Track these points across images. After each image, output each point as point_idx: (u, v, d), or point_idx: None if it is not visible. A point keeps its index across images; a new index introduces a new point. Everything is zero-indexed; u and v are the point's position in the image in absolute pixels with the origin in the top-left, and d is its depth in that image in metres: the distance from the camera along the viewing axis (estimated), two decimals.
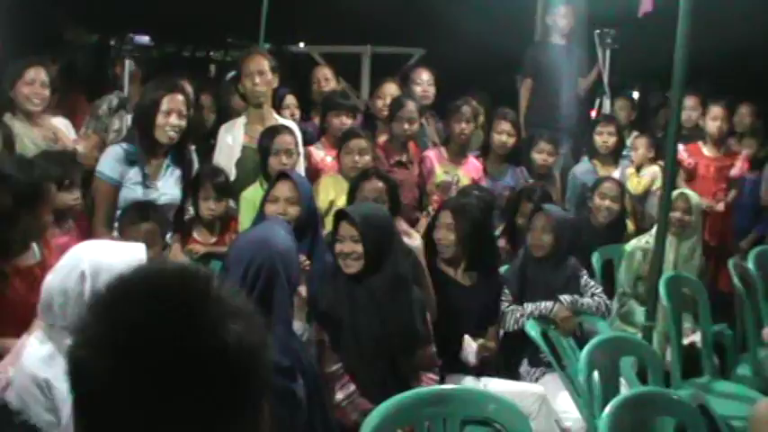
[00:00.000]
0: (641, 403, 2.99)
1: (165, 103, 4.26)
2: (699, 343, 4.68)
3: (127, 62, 5.56)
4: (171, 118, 4.26)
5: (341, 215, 3.56)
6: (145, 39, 5.69)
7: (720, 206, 6.08)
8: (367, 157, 4.78)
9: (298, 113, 5.82)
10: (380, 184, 4.30)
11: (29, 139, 4.52)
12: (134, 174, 4.23)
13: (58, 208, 3.75)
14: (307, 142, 5.23)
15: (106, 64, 6.15)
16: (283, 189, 3.86)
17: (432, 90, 6.08)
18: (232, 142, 4.90)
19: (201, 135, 5.16)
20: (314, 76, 6.27)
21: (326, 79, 6.21)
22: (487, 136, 5.79)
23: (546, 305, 4.18)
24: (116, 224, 4.13)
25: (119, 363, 1.06)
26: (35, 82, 4.58)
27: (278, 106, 5.40)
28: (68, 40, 8.83)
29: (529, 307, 4.20)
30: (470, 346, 3.94)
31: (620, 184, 5.47)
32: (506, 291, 4.29)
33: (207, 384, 1.07)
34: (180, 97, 4.33)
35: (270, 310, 2.85)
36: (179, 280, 1.13)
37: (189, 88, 4.82)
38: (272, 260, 2.87)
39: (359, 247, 3.45)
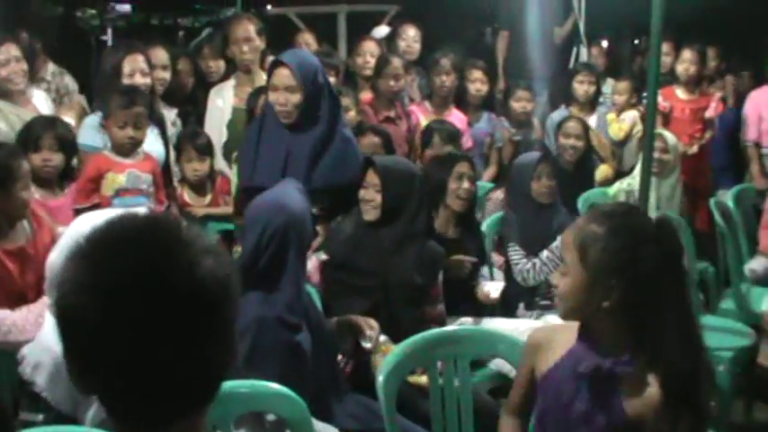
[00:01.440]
0: None
1: (127, 65, 4.37)
2: None
3: (109, 30, 5.56)
4: (135, 78, 4.36)
5: (369, 162, 3.66)
6: (126, 7, 5.70)
7: (694, 149, 6.20)
8: (352, 113, 4.85)
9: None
10: (377, 139, 4.42)
11: (17, 118, 4.48)
12: None
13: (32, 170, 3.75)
14: None
15: (79, 36, 6.14)
16: (281, 77, 3.79)
17: (416, 46, 6.15)
18: (222, 105, 4.97)
19: (181, 99, 5.19)
20: (296, 42, 6.31)
21: (308, 44, 6.25)
22: (461, 86, 5.86)
23: (556, 245, 4.25)
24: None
25: (105, 304, 1.15)
26: (9, 61, 4.51)
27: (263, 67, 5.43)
28: (33, 12, 8.73)
29: (544, 253, 4.30)
30: (494, 283, 4.04)
31: (584, 123, 5.55)
32: (512, 247, 4.38)
33: (186, 315, 1.18)
34: (140, 56, 4.44)
35: (282, 271, 2.92)
36: (152, 226, 1.23)
37: (163, 53, 4.84)
38: (286, 224, 2.90)
39: (379, 197, 3.58)
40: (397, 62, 5.46)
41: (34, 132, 3.94)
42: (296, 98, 3.75)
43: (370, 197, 3.61)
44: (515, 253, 4.38)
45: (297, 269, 2.96)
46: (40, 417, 2.43)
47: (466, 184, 4.12)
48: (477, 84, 5.85)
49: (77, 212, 3.71)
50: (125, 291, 1.16)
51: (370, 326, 3.28)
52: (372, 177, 3.62)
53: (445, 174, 4.11)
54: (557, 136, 5.50)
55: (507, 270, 4.44)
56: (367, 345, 3.24)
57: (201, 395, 1.26)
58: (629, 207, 2.25)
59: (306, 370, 2.94)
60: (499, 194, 5.07)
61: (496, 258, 4.62)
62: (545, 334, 2.33)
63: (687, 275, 2.08)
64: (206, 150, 4.59)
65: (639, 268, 1.99)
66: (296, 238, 2.92)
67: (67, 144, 4.05)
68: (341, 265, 3.59)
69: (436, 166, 4.26)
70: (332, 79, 5.27)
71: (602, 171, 5.87)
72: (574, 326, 2.19)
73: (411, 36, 6.17)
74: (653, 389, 2.08)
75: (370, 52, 5.76)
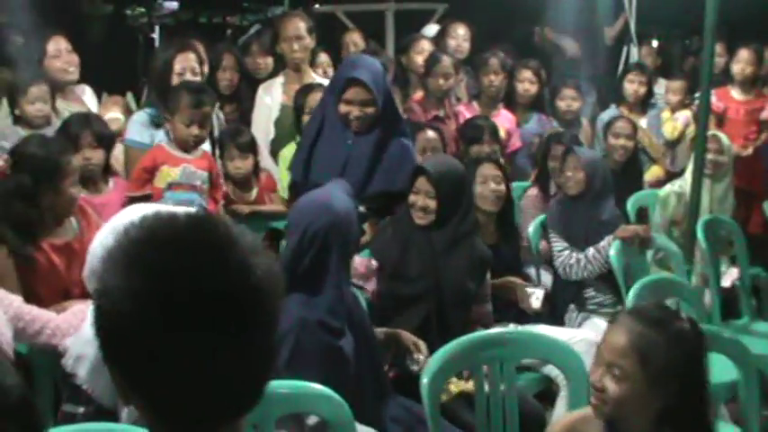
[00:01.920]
0: None
1: (178, 63, 4.37)
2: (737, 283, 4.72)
3: (157, 28, 5.60)
4: (185, 76, 4.36)
5: (419, 170, 3.62)
6: (174, 4, 5.73)
7: (749, 150, 6.08)
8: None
9: (330, 72, 5.85)
10: (432, 134, 4.48)
11: (70, 113, 4.53)
12: (162, 135, 4.27)
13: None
14: None
15: (129, 33, 6.19)
16: (357, 93, 3.81)
17: (466, 45, 6.12)
18: (270, 102, 4.98)
19: (227, 96, 5.19)
20: (344, 42, 6.31)
21: (355, 44, 6.26)
22: (510, 86, 5.80)
23: (603, 245, 4.21)
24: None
25: (150, 308, 1.12)
26: (61, 52, 4.61)
27: (311, 64, 5.44)
28: (83, 11, 8.84)
29: (590, 251, 4.23)
30: (536, 292, 3.95)
31: (633, 123, 5.45)
32: (555, 237, 4.33)
33: (236, 318, 1.14)
34: (192, 55, 4.44)
35: (324, 273, 2.87)
36: (197, 225, 1.19)
37: (201, 49, 4.86)
38: (329, 225, 2.86)
39: (432, 203, 3.54)
40: (447, 61, 5.42)
41: (73, 131, 3.93)
42: (371, 110, 3.81)
43: (423, 203, 3.56)
44: (557, 243, 4.32)
45: (340, 272, 2.91)
46: (81, 409, 2.43)
47: (492, 185, 4.08)
48: (527, 84, 5.78)
49: (130, 200, 3.76)
50: (167, 296, 1.12)
51: (419, 349, 3.21)
52: (424, 184, 3.57)
53: (471, 177, 4.05)
54: (606, 136, 5.41)
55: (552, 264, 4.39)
56: (414, 368, 3.15)
57: (248, 399, 1.23)
58: (673, 310, 2.28)
59: (347, 374, 2.90)
60: (533, 191, 4.99)
61: (543, 246, 4.54)
62: (573, 425, 2.27)
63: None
64: (248, 148, 4.57)
65: (698, 372, 2.10)
66: (339, 241, 2.87)
67: (106, 139, 4.04)
68: (394, 275, 3.54)
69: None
70: None
71: (653, 172, 5.79)
72: (591, 417, 2.17)
73: (461, 35, 6.13)
74: None
75: (426, 51, 5.73)
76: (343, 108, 3.80)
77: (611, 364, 2.08)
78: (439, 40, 6.14)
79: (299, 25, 5.02)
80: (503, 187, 4.13)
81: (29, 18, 5.01)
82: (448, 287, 3.50)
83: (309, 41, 5.07)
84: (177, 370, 1.14)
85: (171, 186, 4.00)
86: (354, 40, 6.39)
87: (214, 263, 1.15)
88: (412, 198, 3.60)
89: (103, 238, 2.44)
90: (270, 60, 5.59)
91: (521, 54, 6.58)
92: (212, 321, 1.13)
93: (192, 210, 1.33)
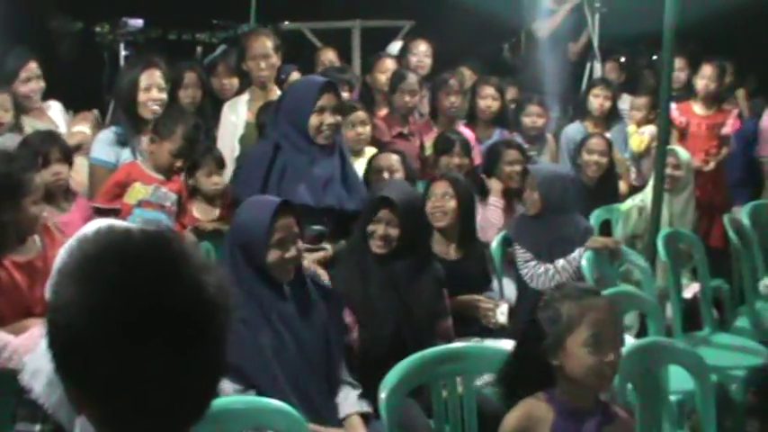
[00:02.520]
0: (648, 352, 3.08)
1: (144, 80, 4.36)
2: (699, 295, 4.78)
3: (121, 46, 5.60)
4: (151, 93, 4.36)
5: (383, 199, 3.54)
6: (138, 22, 5.73)
7: (710, 165, 6.16)
8: (368, 128, 4.87)
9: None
10: (395, 157, 4.46)
11: (33, 129, 4.48)
12: (128, 154, 4.29)
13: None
14: None
15: (96, 51, 6.17)
16: (332, 99, 3.90)
17: (427, 61, 6.16)
18: (236, 119, 4.99)
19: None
20: (318, 59, 6.34)
21: (330, 61, 6.29)
22: (472, 102, 5.85)
23: (574, 257, 4.26)
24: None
25: (104, 322, 1.13)
26: (31, 79, 4.61)
27: (282, 82, 5.45)
28: (53, 28, 8.81)
29: (560, 262, 4.28)
30: (501, 306, 3.98)
31: (608, 141, 5.52)
32: (520, 249, 4.36)
33: (185, 332, 1.16)
34: (156, 72, 4.43)
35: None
36: (150, 241, 1.21)
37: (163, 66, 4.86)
38: (231, 236, 3.10)
39: (395, 232, 3.48)
40: (413, 78, 5.48)
41: (41, 148, 3.93)
42: (340, 118, 3.96)
43: (384, 232, 3.48)
44: (523, 254, 4.35)
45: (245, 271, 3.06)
46: (37, 428, 2.41)
47: (451, 203, 4.09)
48: (489, 100, 5.78)
49: (97, 211, 3.81)
50: (118, 311, 1.14)
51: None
52: (387, 213, 3.49)
53: (425, 194, 4.09)
54: (579, 152, 5.46)
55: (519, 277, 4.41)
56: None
57: (198, 410, 1.24)
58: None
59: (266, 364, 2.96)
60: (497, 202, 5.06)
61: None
62: (520, 420, 2.36)
63: None
64: (223, 164, 4.60)
65: None
66: (239, 249, 3.07)
67: (71, 156, 4.07)
68: (359, 307, 3.44)
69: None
70: (345, 94, 5.30)
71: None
72: (540, 402, 2.34)
73: (422, 51, 6.18)
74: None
75: (390, 69, 5.76)
76: (314, 119, 3.82)
77: (610, 337, 2.34)
78: (401, 57, 6.18)
79: (266, 43, 5.02)
80: (452, 203, 4.11)
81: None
82: (418, 315, 3.47)
83: (276, 60, 5.07)
84: (129, 382, 1.15)
85: (141, 204, 4.02)
86: (329, 57, 6.43)
87: (167, 278, 1.17)
88: (371, 227, 3.51)
89: (61, 254, 2.45)
90: (235, 81, 5.56)
91: (490, 70, 6.64)
92: (165, 335, 1.15)
93: (147, 227, 1.35)
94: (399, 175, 4.43)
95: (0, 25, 5.04)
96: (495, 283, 4.41)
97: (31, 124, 4.54)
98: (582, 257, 4.24)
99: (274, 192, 3.68)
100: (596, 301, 2.36)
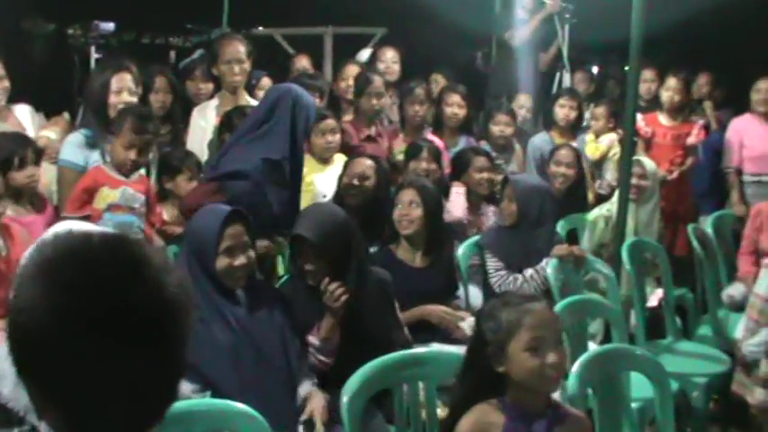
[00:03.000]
0: (608, 359, 3.12)
1: (115, 83, 4.37)
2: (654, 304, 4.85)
3: (92, 49, 5.58)
4: (122, 96, 4.37)
5: (298, 237, 3.41)
6: (110, 26, 5.71)
7: (674, 175, 6.24)
8: (338, 136, 4.90)
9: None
10: (369, 162, 4.49)
11: None
12: (97, 156, 4.27)
13: (15, 188, 3.85)
14: None
15: (68, 53, 6.14)
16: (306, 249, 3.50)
17: (396, 67, 6.21)
18: (205, 124, 4.99)
19: (161, 117, 5.17)
20: (293, 66, 6.35)
21: (304, 68, 6.32)
22: (439, 110, 5.89)
23: (542, 266, 4.32)
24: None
25: (62, 323, 1.14)
26: None
27: (253, 88, 5.45)
28: (25, 29, 8.77)
29: (528, 272, 4.33)
30: (467, 320, 3.93)
31: (576, 152, 5.56)
32: (491, 257, 4.40)
33: (144, 334, 1.18)
34: (128, 75, 4.44)
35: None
36: (111, 243, 1.23)
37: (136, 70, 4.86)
38: (186, 242, 3.16)
39: (318, 265, 3.37)
40: (378, 81, 5.52)
41: (17, 151, 3.93)
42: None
43: (311, 267, 3.38)
44: (494, 263, 4.40)
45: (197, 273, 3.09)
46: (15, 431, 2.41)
47: (417, 211, 4.07)
48: (455, 108, 5.81)
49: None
50: (78, 312, 1.15)
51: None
52: (307, 249, 3.37)
53: (393, 202, 4.09)
54: (547, 163, 5.50)
55: (486, 285, 4.44)
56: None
57: (159, 410, 1.25)
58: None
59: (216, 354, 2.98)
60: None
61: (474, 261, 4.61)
62: (473, 425, 2.39)
63: None
64: (200, 170, 4.62)
65: None
66: (192, 254, 3.12)
67: (41, 158, 4.07)
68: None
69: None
70: (316, 101, 5.32)
71: None
72: (492, 407, 2.39)
73: (389, 58, 6.24)
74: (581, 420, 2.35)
75: (353, 76, 5.78)
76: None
77: (558, 341, 2.43)
78: (370, 64, 6.22)
79: (239, 48, 5.00)
80: (418, 211, 4.09)
81: None
82: (370, 331, 3.40)
83: (248, 65, 5.08)
84: (89, 383, 1.17)
85: (110, 208, 4.01)
86: (303, 63, 6.46)
87: (128, 278, 1.18)
88: (299, 261, 3.43)
89: (25, 257, 2.44)
90: (211, 86, 5.57)
91: (462, 79, 6.69)
92: (126, 335, 1.16)
93: (106, 230, 1.36)
94: (370, 182, 4.45)
95: None
96: (461, 291, 4.44)
97: None
98: (548, 265, 4.29)
99: None
100: (534, 306, 2.41)
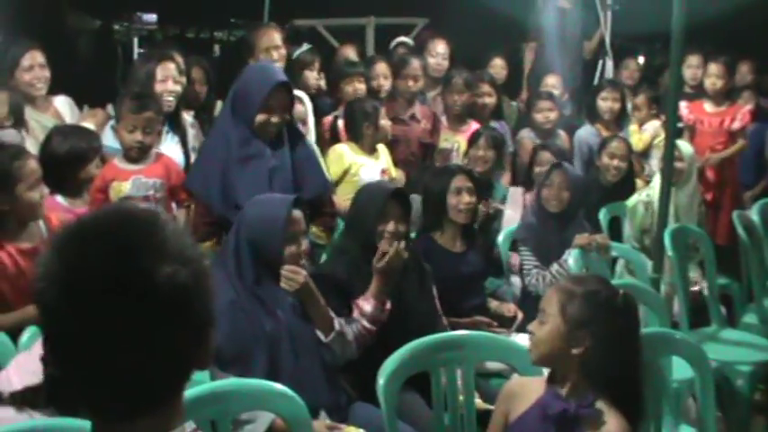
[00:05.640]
0: (648, 343, 3.08)
1: (160, 72, 4.45)
2: (706, 291, 4.78)
3: (135, 42, 5.64)
4: (167, 85, 4.45)
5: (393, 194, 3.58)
6: (152, 17, 5.78)
7: (713, 159, 6.17)
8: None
9: (323, 84, 5.89)
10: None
11: (37, 123, 4.56)
12: None
13: (86, 181, 3.97)
14: (326, 113, 5.47)
15: (112, 48, 6.23)
16: (284, 96, 3.75)
17: (445, 64, 6.19)
18: None
19: (197, 107, 5.20)
20: (337, 55, 6.38)
21: (349, 58, 6.32)
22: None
23: (565, 258, 4.33)
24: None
25: (65, 295, 1.18)
26: (33, 67, 4.61)
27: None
28: (70, 26, 8.90)
29: (554, 267, 4.34)
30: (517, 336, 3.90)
31: (628, 144, 5.55)
32: (526, 252, 4.45)
33: (139, 317, 1.18)
34: (172, 64, 4.52)
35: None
36: (123, 223, 1.24)
37: (180, 60, 4.89)
38: (241, 231, 3.13)
39: (404, 228, 3.55)
40: (416, 63, 5.62)
41: (92, 145, 4.05)
42: (287, 116, 3.80)
43: (393, 229, 3.51)
44: (528, 260, 4.43)
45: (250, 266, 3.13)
46: None
47: (466, 198, 4.07)
48: (485, 97, 5.94)
49: None
50: (78, 286, 1.18)
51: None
52: (397, 208, 3.54)
53: (443, 188, 4.08)
54: (599, 154, 5.47)
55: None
56: None
57: (161, 390, 1.26)
58: (606, 281, 2.55)
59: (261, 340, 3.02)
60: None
61: (513, 259, 4.66)
62: (519, 384, 2.56)
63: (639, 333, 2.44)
64: None
65: (606, 325, 2.33)
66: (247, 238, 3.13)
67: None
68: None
69: (434, 180, 4.21)
70: (361, 86, 5.39)
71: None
72: (544, 379, 2.45)
73: (441, 53, 6.20)
74: (611, 427, 2.31)
75: (382, 74, 5.71)
76: (261, 117, 3.66)
77: (541, 311, 2.41)
78: (415, 51, 6.22)
79: (275, 35, 5.02)
80: (474, 199, 4.13)
81: (11, 28, 5.06)
82: (412, 315, 3.49)
83: (284, 50, 5.10)
84: (79, 354, 1.20)
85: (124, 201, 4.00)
86: (349, 54, 6.47)
87: (119, 262, 1.19)
88: (383, 226, 3.52)
89: None
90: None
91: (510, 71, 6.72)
92: (139, 312, 1.18)
93: (138, 206, 1.38)
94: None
95: (18, 24, 5.10)
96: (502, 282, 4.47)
97: (34, 117, 4.57)
98: (570, 256, 4.28)
99: (218, 184, 3.67)
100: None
